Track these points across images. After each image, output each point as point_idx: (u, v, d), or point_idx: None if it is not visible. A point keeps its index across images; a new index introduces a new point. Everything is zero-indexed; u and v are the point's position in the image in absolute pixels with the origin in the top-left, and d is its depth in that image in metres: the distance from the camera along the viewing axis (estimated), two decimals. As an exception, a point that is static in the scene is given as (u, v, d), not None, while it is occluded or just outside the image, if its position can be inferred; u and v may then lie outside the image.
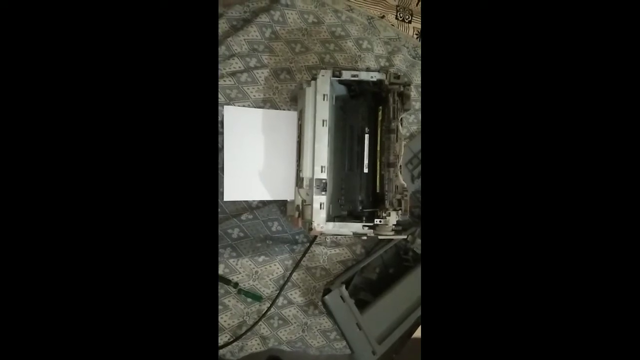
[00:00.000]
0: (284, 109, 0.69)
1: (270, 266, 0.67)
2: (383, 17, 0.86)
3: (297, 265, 0.67)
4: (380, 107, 0.61)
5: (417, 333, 0.67)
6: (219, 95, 0.66)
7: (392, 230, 0.54)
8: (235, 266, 0.65)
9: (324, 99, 0.57)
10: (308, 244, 0.68)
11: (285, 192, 0.67)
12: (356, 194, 0.61)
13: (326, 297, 0.60)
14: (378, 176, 0.60)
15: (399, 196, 0.55)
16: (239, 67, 0.68)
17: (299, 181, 0.58)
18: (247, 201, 0.67)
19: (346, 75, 0.58)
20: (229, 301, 0.65)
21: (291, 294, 0.68)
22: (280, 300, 0.68)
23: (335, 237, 0.70)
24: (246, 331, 0.64)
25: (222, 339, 0.64)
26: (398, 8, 0.89)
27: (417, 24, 0.90)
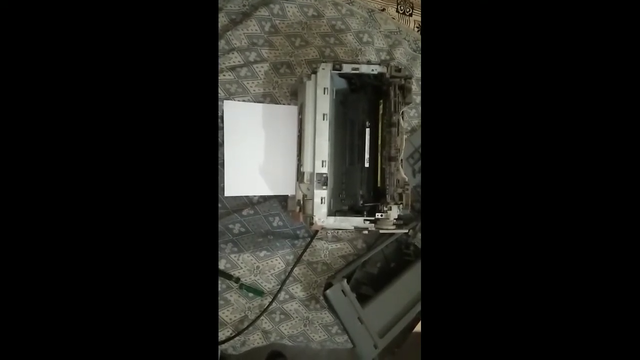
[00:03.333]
0: (284, 104, 0.69)
1: (272, 261, 0.67)
2: (384, 10, 0.85)
3: (298, 260, 0.67)
4: (381, 101, 0.61)
5: (419, 327, 0.67)
6: (219, 90, 0.65)
7: (393, 224, 0.54)
8: (237, 261, 0.65)
9: (324, 93, 0.57)
10: (309, 239, 0.68)
11: (286, 186, 0.67)
12: (357, 189, 0.61)
13: (328, 291, 0.60)
14: (379, 170, 0.60)
15: (400, 190, 0.54)
16: (239, 62, 0.67)
17: (299, 176, 0.58)
18: (248, 196, 0.67)
19: (347, 68, 0.58)
20: (231, 296, 0.65)
21: (293, 289, 0.68)
22: (282, 295, 0.68)
23: (336, 231, 0.70)
24: (248, 326, 0.64)
25: (224, 333, 0.65)
26: (399, 1, 0.88)
27: (418, 17, 0.89)
